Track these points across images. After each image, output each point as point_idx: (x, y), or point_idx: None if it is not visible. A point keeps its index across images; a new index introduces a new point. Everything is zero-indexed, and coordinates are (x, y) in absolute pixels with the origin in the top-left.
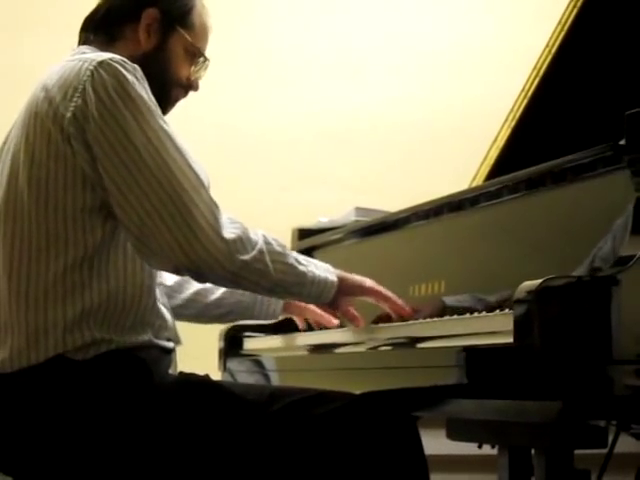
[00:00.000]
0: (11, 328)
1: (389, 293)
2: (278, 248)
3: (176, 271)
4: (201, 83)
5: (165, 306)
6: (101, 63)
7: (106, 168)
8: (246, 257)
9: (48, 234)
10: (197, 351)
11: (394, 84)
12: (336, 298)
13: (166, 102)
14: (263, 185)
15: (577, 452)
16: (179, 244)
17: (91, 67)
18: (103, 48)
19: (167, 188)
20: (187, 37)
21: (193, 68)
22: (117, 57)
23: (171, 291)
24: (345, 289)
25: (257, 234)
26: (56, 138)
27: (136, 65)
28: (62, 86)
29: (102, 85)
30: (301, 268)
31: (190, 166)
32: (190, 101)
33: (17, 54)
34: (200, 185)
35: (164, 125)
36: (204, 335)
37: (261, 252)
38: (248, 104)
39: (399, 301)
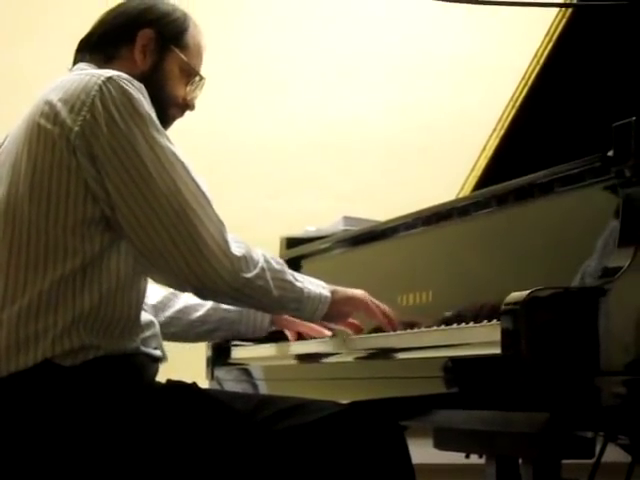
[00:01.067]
0: (3, 332)
1: (378, 308)
2: (277, 266)
3: (180, 287)
4: None
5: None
6: (109, 79)
7: (115, 184)
8: (249, 275)
9: (47, 243)
10: (185, 360)
11: (383, 94)
12: (330, 313)
13: (164, 121)
14: (251, 193)
15: (565, 462)
16: (187, 262)
17: (99, 82)
18: (101, 66)
19: (175, 206)
20: (182, 57)
21: (189, 88)
22: (123, 74)
23: (155, 310)
24: (337, 305)
25: (257, 253)
26: (61, 149)
27: (141, 84)
28: (69, 100)
29: (111, 101)
30: (298, 285)
31: (197, 185)
32: None
33: (15, 62)
34: (207, 204)
35: (170, 144)
36: (192, 344)
37: (263, 270)
38: (237, 112)
39: (388, 317)
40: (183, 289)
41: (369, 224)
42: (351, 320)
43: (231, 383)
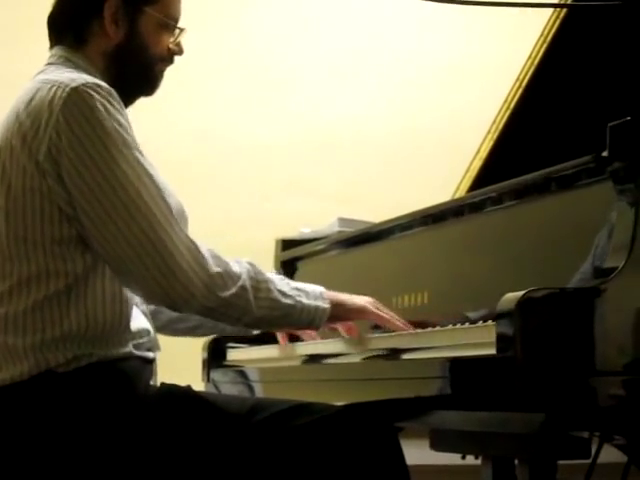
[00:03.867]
0: None
1: (387, 315)
2: (262, 283)
3: (156, 304)
4: (184, 93)
5: (145, 313)
6: (75, 90)
7: (81, 205)
8: (226, 294)
9: (29, 267)
10: (181, 362)
11: (378, 95)
12: (332, 321)
13: (153, 81)
14: (246, 195)
15: (561, 463)
16: (156, 281)
17: (64, 95)
18: (75, 49)
19: (144, 226)
20: (156, 14)
21: (172, 39)
22: (91, 81)
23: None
24: (341, 314)
25: (242, 266)
26: (32, 173)
27: (111, 89)
28: (35, 119)
29: (75, 118)
30: (286, 301)
31: (165, 200)
32: (173, 109)
33: (14, 61)
34: (174, 221)
35: (140, 158)
36: (188, 345)
37: (243, 288)
38: (231, 114)
39: (398, 322)
40: (157, 305)
41: (364, 225)
42: (350, 324)
43: (227, 385)
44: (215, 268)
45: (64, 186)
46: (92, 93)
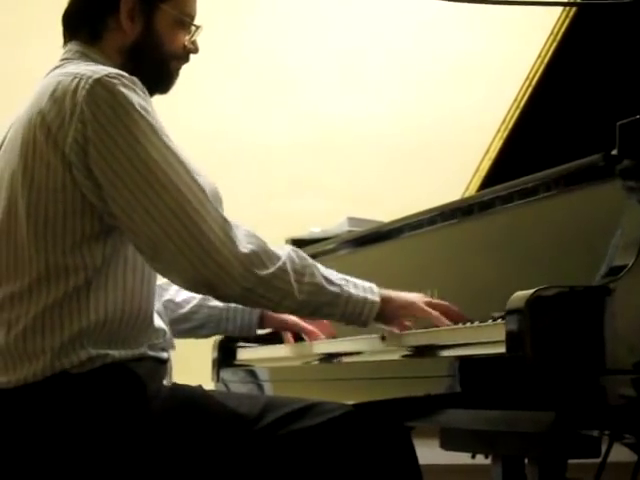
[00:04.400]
0: (7, 350)
1: (438, 310)
2: (306, 267)
3: (194, 289)
4: (191, 93)
5: (159, 313)
6: (98, 81)
7: (111, 193)
8: (264, 273)
9: (47, 263)
10: (192, 361)
11: (387, 95)
12: (381, 319)
13: (168, 78)
14: (255, 195)
15: (571, 462)
16: (190, 262)
17: (87, 86)
18: (91, 44)
19: (174, 207)
20: (172, 11)
21: (188, 37)
22: (113, 72)
23: None
24: (389, 310)
25: (283, 249)
26: (56, 167)
27: (134, 78)
28: (59, 111)
29: (100, 107)
30: (332, 288)
31: (197, 183)
32: (182, 109)
33: (21, 60)
34: (207, 200)
35: (167, 141)
36: (199, 345)
37: (282, 270)
38: (240, 113)
39: (453, 314)
40: (197, 290)
41: (374, 225)
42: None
43: (237, 385)
44: (251, 246)
45: (92, 177)
46: (115, 82)
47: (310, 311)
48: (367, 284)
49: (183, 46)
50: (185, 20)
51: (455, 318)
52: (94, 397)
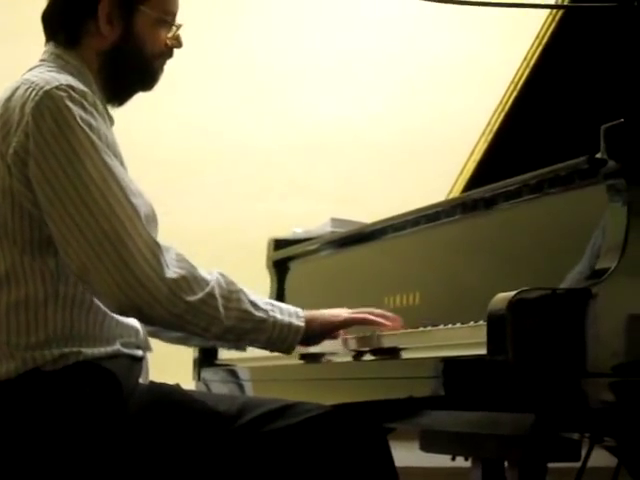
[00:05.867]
0: None
1: (369, 315)
2: (234, 293)
3: (121, 312)
4: (177, 93)
5: None
6: (47, 93)
7: (45, 206)
8: (192, 299)
9: (5, 264)
10: (171, 360)
11: (372, 96)
12: (309, 340)
13: (151, 77)
14: (239, 195)
15: (552, 466)
16: (117, 284)
17: (37, 98)
18: (69, 47)
19: (106, 228)
20: (151, 12)
21: (170, 34)
22: (64, 83)
23: None
24: (319, 328)
25: (212, 274)
26: (3, 174)
27: (86, 91)
28: (7, 121)
29: (46, 120)
30: (258, 314)
31: (130, 202)
32: (167, 109)
33: (17, 56)
34: (139, 222)
35: (107, 159)
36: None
37: (210, 295)
38: (225, 113)
39: (382, 319)
40: (123, 313)
41: (357, 226)
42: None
43: (218, 384)
44: (180, 271)
45: (30, 188)
46: (63, 95)
47: (235, 338)
48: (292, 309)
49: (165, 44)
50: (166, 19)
51: (393, 323)
52: (68, 394)
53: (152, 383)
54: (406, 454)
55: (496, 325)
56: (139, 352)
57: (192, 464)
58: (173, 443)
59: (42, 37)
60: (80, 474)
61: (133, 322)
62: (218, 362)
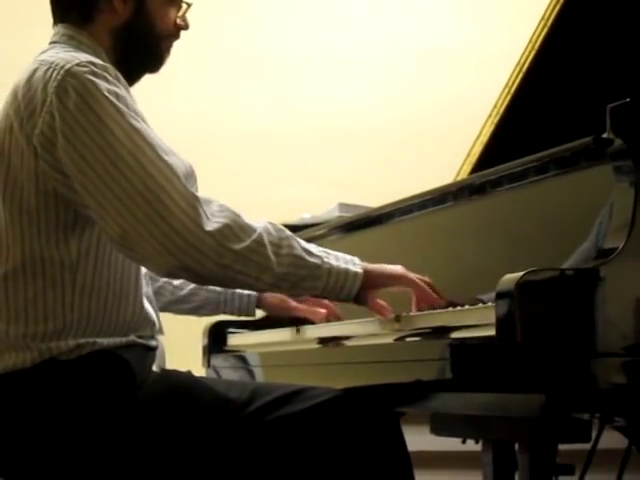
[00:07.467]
0: None
1: (422, 282)
2: (284, 239)
3: (169, 274)
4: (185, 78)
5: (148, 298)
6: (68, 71)
7: (79, 180)
8: (239, 246)
9: (24, 252)
10: (182, 347)
11: (378, 81)
12: (362, 292)
13: (160, 57)
14: (247, 181)
15: (562, 448)
16: (162, 245)
17: (59, 77)
18: (80, 26)
19: (141, 189)
20: None
21: (180, 14)
22: (84, 60)
23: None
24: (373, 281)
25: (259, 223)
26: (28, 156)
27: (107, 65)
28: (30, 102)
29: (70, 96)
30: (312, 260)
31: (163, 160)
32: (174, 97)
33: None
34: (175, 178)
35: (135, 123)
36: (189, 331)
37: (259, 242)
38: (232, 100)
39: (432, 293)
40: (172, 275)
41: (364, 210)
42: (383, 304)
43: (228, 370)
44: (224, 220)
45: (59, 168)
46: (85, 70)
47: (290, 285)
48: (348, 257)
49: (174, 23)
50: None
51: (433, 301)
52: (83, 383)
53: (164, 370)
54: (417, 438)
55: (504, 305)
56: (153, 342)
57: (204, 451)
58: (185, 430)
59: (43, 28)
60: (93, 461)
61: (151, 313)
62: (227, 348)
